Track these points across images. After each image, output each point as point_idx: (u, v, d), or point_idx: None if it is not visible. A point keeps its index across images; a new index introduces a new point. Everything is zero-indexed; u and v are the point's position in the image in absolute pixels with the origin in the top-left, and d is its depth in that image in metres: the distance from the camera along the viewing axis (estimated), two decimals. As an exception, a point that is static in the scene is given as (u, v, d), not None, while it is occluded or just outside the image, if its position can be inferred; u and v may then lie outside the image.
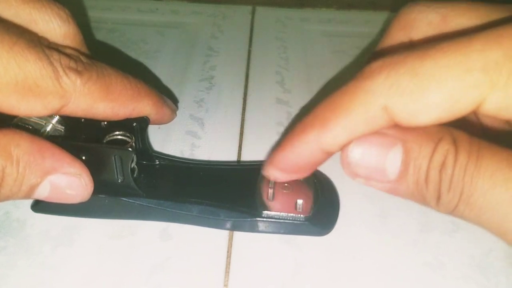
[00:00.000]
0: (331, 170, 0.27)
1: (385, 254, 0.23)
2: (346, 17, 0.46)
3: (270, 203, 0.24)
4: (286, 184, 0.24)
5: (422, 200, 0.20)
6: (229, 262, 0.23)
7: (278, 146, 0.23)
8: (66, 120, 0.24)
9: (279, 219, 0.23)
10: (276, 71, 0.38)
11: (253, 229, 0.24)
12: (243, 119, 0.32)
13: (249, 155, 0.29)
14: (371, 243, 0.24)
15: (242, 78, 0.37)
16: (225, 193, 0.25)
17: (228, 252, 0.23)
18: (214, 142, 0.30)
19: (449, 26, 0.22)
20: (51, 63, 0.20)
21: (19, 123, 0.23)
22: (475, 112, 0.18)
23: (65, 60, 0.20)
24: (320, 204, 0.24)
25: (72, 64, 0.21)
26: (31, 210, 0.25)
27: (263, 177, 0.25)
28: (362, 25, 0.44)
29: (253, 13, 0.46)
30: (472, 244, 0.24)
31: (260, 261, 0.23)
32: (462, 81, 0.16)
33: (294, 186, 0.24)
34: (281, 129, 0.31)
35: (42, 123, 0.24)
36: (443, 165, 0.18)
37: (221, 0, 0.47)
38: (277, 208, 0.23)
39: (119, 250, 0.23)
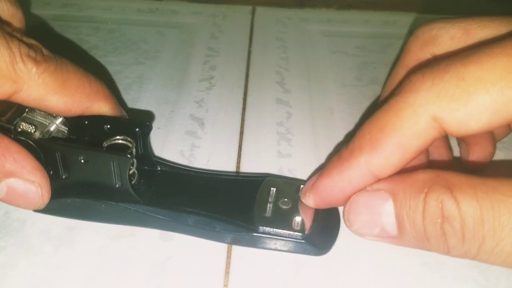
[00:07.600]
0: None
1: (383, 253, 0.23)
2: (346, 17, 0.46)
3: (267, 218, 0.23)
4: (286, 200, 0.24)
5: (434, 250, 0.19)
6: (229, 262, 0.23)
7: (321, 172, 0.22)
8: (70, 121, 0.24)
9: (274, 235, 0.23)
10: (276, 71, 0.38)
11: (248, 244, 0.23)
12: (243, 119, 0.32)
13: (249, 155, 0.29)
14: (369, 242, 0.24)
15: (242, 78, 0.37)
16: (223, 204, 0.24)
17: (228, 252, 0.23)
18: (214, 142, 0.30)
19: (472, 39, 0.21)
20: (9, 48, 0.20)
21: (23, 121, 0.23)
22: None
23: (24, 48, 0.20)
24: (320, 223, 0.23)
25: (31, 53, 0.21)
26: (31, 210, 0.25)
27: (263, 191, 0.24)
28: (362, 25, 0.44)
29: (253, 13, 0.46)
30: (472, 244, 0.24)
31: (260, 261, 0.23)
32: (510, 81, 0.16)
33: (294, 202, 0.24)
34: (281, 129, 0.31)
35: (46, 123, 0.24)
36: (443, 217, 0.17)
37: (221, 0, 0.47)
38: (274, 224, 0.23)
39: (120, 250, 0.23)
